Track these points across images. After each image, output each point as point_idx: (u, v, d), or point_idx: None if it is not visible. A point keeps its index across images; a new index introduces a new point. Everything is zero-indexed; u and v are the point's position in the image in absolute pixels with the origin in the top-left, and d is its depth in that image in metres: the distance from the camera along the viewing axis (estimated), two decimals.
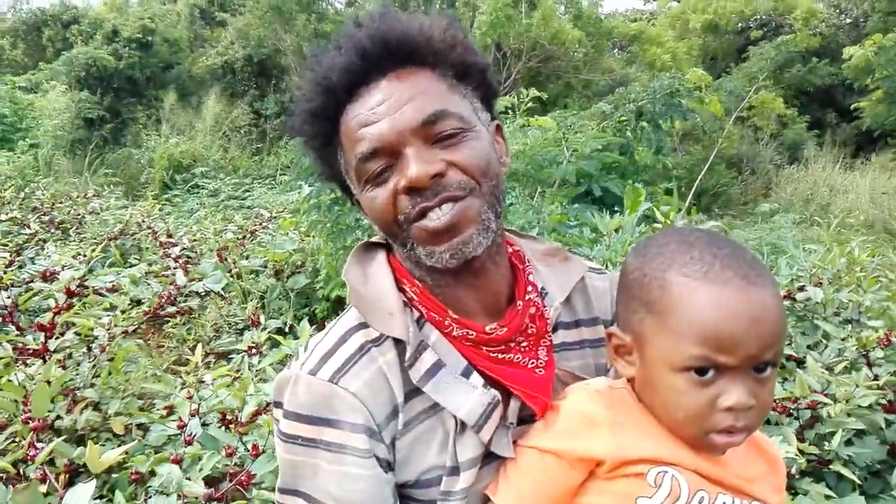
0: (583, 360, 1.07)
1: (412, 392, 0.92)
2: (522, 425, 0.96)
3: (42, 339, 2.59)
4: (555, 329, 1.03)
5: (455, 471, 0.91)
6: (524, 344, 0.97)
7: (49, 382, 2.08)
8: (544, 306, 1.02)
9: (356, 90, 0.92)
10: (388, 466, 0.91)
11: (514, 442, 0.94)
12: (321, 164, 1.03)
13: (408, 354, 0.90)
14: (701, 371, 0.81)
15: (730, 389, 0.81)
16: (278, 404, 0.95)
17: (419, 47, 0.92)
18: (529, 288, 1.01)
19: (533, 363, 0.97)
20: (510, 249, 1.06)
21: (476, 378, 0.93)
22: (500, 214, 0.94)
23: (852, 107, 16.48)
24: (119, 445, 2.17)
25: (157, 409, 2.53)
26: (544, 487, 0.89)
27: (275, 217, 6.55)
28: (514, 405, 0.95)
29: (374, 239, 1.07)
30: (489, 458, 0.93)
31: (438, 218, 0.89)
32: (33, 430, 1.87)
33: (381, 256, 1.02)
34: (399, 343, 0.92)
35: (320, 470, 0.89)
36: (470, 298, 0.97)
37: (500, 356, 0.95)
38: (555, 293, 1.06)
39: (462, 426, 0.91)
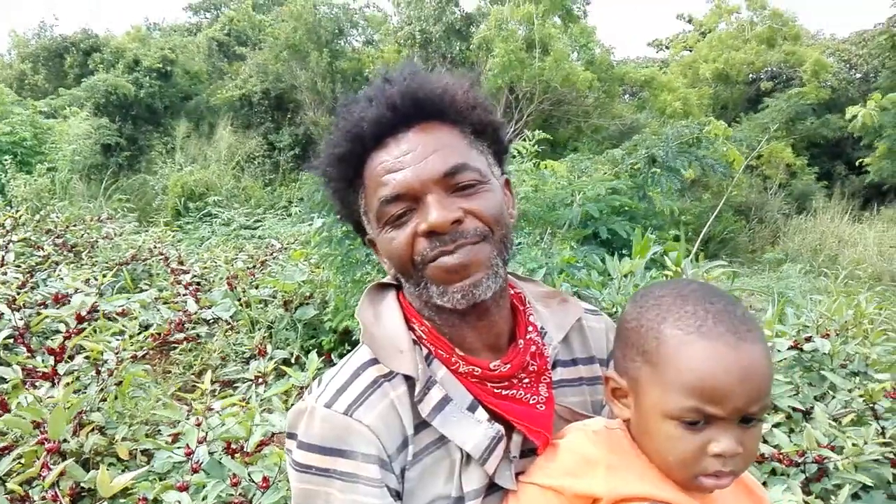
0: (580, 397, 1.13)
1: (421, 425, 0.97)
2: (525, 458, 1.01)
3: (52, 362, 2.62)
4: (553, 366, 1.10)
5: (460, 501, 0.96)
6: (526, 380, 1.03)
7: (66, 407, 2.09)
8: (544, 345, 1.09)
9: (384, 140, 0.99)
10: (398, 496, 0.95)
11: (517, 475, 0.99)
12: (339, 204, 1.09)
13: (417, 390, 0.96)
14: (692, 421, 0.87)
15: (718, 438, 0.86)
16: (292, 435, 0.99)
17: (444, 106, 1.00)
18: (530, 328, 1.08)
19: (534, 399, 1.02)
20: (512, 291, 1.12)
21: (481, 413, 0.98)
22: (506, 262, 1.01)
23: (858, 161, 16.58)
24: (123, 471, 2.18)
25: (163, 436, 2.53)
26: None
27: (285, 248, 6.59)
28: (516, 439, 1.00)
29: (385, 280, 1.13)
30: (492, 489, 0.98)
31: (454, 256, 0.96)
32: (48, 451, 1.88)
33: (391, 296, 1.09)
34: (409, 379, 0.98)
35: (333, 499, 0.93)
36: (473, 337, 1.04)
37: (504, 392, 1.01)
38: (553, 333, 1.13)
39: (468, 458, 0.96)
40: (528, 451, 1.01)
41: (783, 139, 15.71)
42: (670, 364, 0.88)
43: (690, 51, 23.94)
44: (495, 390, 1.01)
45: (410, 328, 1.04)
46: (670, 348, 0.89)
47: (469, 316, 1.00)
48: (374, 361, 1.00)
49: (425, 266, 0.97)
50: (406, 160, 0.96)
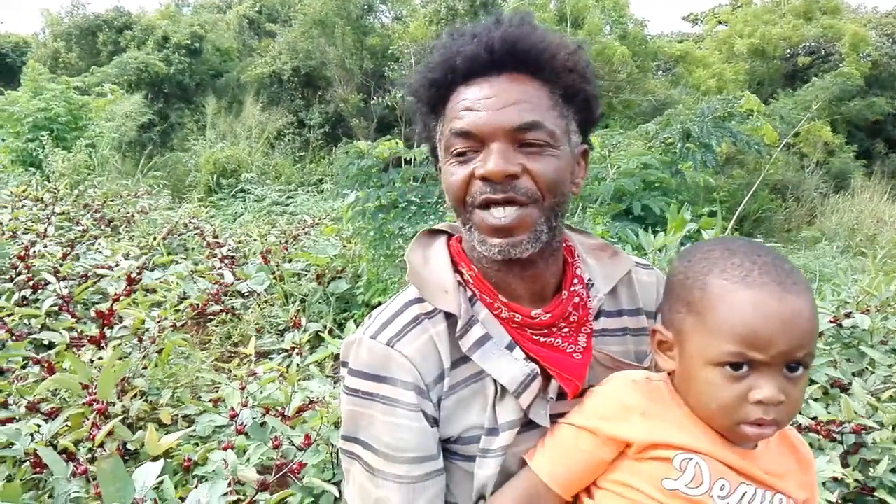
0: (623, 346, 1.15)
1: (459, 360, 1.03)
2: (561, 401, 1.05)
3: (99, 326, 2.69)
4: (597, 316, 1.13)
5: (494, 431, 1.02)
6: (566, 330, 1.07)
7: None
8: (588, 297, 1.12)
9: (474, 78, 1.01)
10: (434, 422, 1.03)
11: (555, 416, 1.04)
12: (422, 125, 1.12)
13: (459, 326, 1.02)
14: (735, 366, 0.89)
15: (761, 384, 0.88)
16: (345, 364, 1.08)
17: (541, 61, 1.01)
18: (576, 280, 1.11)
19: (571, 348, 1.06)
20: (564, 245, 1.15)
21: (518, 352, 1.04)
22: (554, 227, 1.03)
23: None
24: (166, 434, 2.24)
25: (204, 402, 2.59)
26: (576, 458, 0.98)
27: (317, 223, 6.65)
28: (554, 383, 1.05)
29: (437, 226, 1.19)
30: (528, 426, 1.03)
31: (500, 217, 0.99)
32: (98, 412, 1.94)
33: (441, 241, 1.14)
34: (450, 317, 1.04)
35: (376, 420, 1.01)
36: (519, 285, 1.07)
37: (543, 339, 1.05)
38: (600, 285, 1.15)
39: (503, 392, 1.02)
40: (566, 395, 1.05)
41: (823, 117, 15.34)
42: (715, 311, 0.91)
43: (725, 25, 23.42)
44: (534, 336, 1.05)
45: (458, 272, 1.09)
46: (715, 297, 0.91)
47: (514, 267, 1.04)
48: (418, 300, 1.07)
49: (473, 210, 1.01)
50: (486, 104, 0.98)
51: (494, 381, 1.02)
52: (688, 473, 0.91)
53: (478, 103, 0.99)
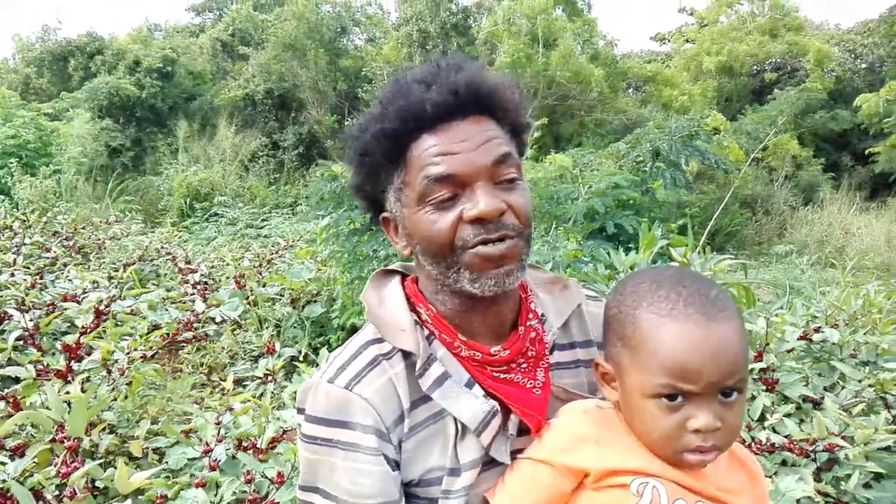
0: (576, 379, 1.17)
1: (418, 400, 1.03)
2: (522, 436, 1.06)
3: (65, 359, 2.63)
4: (551, 350, 1.14)
5: (455, 472, 1.02)
6: (524, 365, 1.08)
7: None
8: (543, 331, 1.13)
9: (440, 124, 1.02)
10: (396, 465, 1.02)
11: (515, 452, 1.05)
12: (366, 178, 1.11)
13: (418, 365, 1.02)
14: (670, 397, 0.91)
15: (697, 414, 0.90)
16: (301, 410, 1.06)
17: (496, 101, 1.04)
18: (531, 315, 1.13)
19: (531, 383, 1.07)
20: None
21: (478, 389, 1.04)
22: (528, 256, 1.06)
23: (867, 151, 16.49)
24: (136, 469, 2.19)
25: (175, 434, 2.54)
26: (536, 493, 0.99)
27: (291, 246, 6.60)
28: (514, 419, 1.06)
29: (390, 266, 1.20)
30: (490, 464, 1.03)
31: (496, 247, 0.99)
32: (68, 449, 1.89)
33: (395, 281, 1.15)
34: (407, 357, 1.04)
35: (336, 467, 1.00)
36: (480, 322, 1.08)
37: (503, 376, 1.06)
38: (553, 319, 1.16)
39: (464, 431, 1.02)
40: (526, 431, 1.06)
41: (790, 132, 15.64)
42: (645, 346, 0.93)
43: (693, 43, 23.84)
44: (494, 374, 1.06)
45: (415, 311, 1.09)
46: (645, 332, 0.94)
47: (483, 302, 1.05)
48: (375, 341, 1.07)
49: (464, 252, 1.00)
50: (462, 146, 1.00)
51: (455, 420, 1.02)
52: (645, 497, 0.93)
53: (454, 147, 1.00)
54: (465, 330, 1.07)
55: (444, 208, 1.00)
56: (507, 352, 1.06)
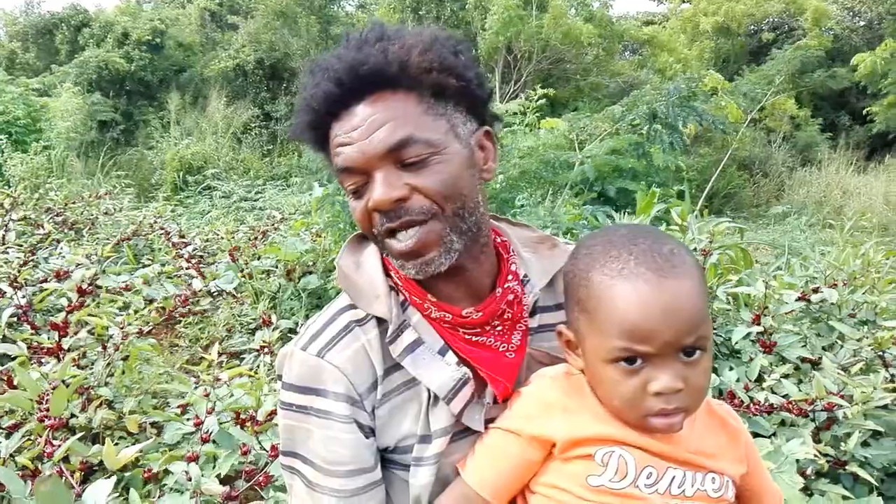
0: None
1: (392, 367, 1.02)
2: (500, 404, 1.04)
3: (56, 337, 2.61)
4: (533, 313, 1.11)
5: (426, 439, 1.01)
6: (499, 328, 1.05)
7: (66, 382, 2.09)
8: (523, 293, 1.10)
9: (338, 111, 0.98)
10: (371, 432, 1.03)
11: (491, 421, 1.03)
12: (328, 161, 1.09)
13: (389, 331, 1.01)
14: (629, 360, 0.88)
15: (657, 376, 0.87)
16: (279, 377, 1.06)
17: (392, 75, 0.96)
18: (510, 276, 1.09)
19: (504, 347, 1.05)
20: (498, 240, 1.14)
21: (451, 357, 1.03)
22: (466, 231, 1.00)
23: (865, 111, 16.38)
24: (133, 444, 2.18)
25: (172, 409, 2.53)
26: (504, 463, 0.97)
27: (286, 218, 6.56)
28: (490, 386, 1.04)
29: None
30: (465, 432, 1.02)
31: (403, 241, 0.97)
32: (50, 428, 1.88)
33: (372, 246, 1.11)
34: (382, 323, 1.03)
35: (312, 434, 1.01)
36: (451, 289, 1.05)
37: (475, 339, 1.04)
38: (536, 279, 1.12)
39: (435, 398, 1.00)
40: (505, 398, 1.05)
41: (788, 91, 15.50)
42: (599, 309, 0.90)
43: (689, 3, 23.54)
44: (466, 336, 1.04)
45: (388, 275, 1.08)
46: (597, 294, 0.91)
47: (441, 273, 1.01)
48: (350, 308, 1.06)
49: (382, 239, 1.00)
50: (354, 135, 0.96)
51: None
52: (611, 467, 0.90)
53: (347, 137, 0.96)
54: (439, 293, 1.05)
55: (357, 196, 1.00)
56: (481, 314, 1.03)
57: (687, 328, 0.86)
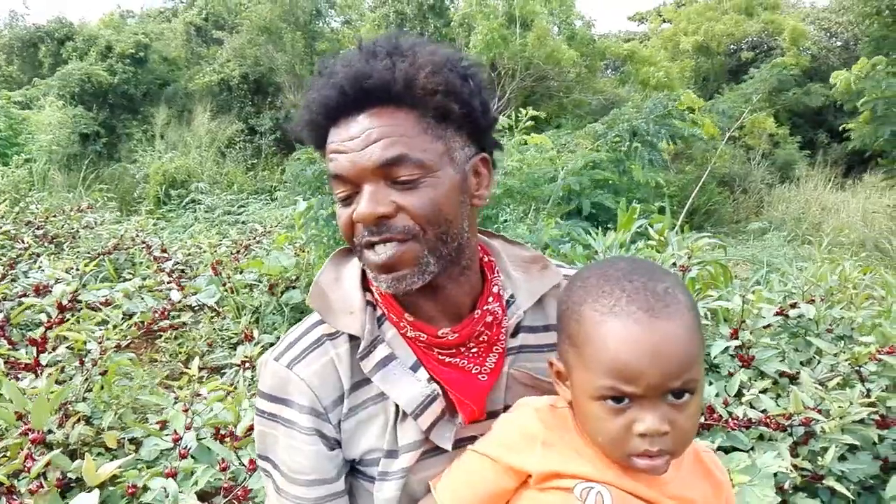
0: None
1: (360, 382, 1.04)
2: (474, 424, 1.05)
3: (34, 353, 2.58)
4: (517, 332, 1.11)
5: (393, 454, 1.02)
6: (474, 350, 1.06)
7: (48, 398, 2.06)
8: (504, 315, 1.10)
9: (338, 118, 0.99)
10: (337, 444, 1.05)
11: (464, 441, 1.03)
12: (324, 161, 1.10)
13: (361, 347, 1.02)
14: (616, 399, 0.86)
15: (642, 417, 0.85)
16: (258, 384, 1.10)
17: (396, 92, 0.95)
18: (491, 298, 1.09)
19: (477, 369, 1.06)
20: (485, 259, 1.14)
21: (422, 373, 1.03)
22: (444, 256, 0.99)
23: (842, 128, 16.64)
24: (111, 460, 2.16)
25: (151, 424, 2.51)
26: (478, 487, 0.97)
27: (269, 232, 6.54)
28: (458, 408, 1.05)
29: None
30: (437, 451, 1.04)
31: (380, 254, 0.98)
32: (32, 442, 1.86)
33: (354, 261, 1.12)
34: (354, 338, 1.04)
35: (278, 441, 1.04)
36: (429, 307, 1.06)
37: (448, 359, 1.05)
38: (523, 300, 1.12)
39: (404, 414, 1.02)
40: (480, 419, 1.05)
41: (765, 109, 15.73)
42: (588, 345, 0.89)
43: (670, 23, 23.87)
44: (440, 357, 1.04)
45: (369, 290, 1.09)
46: (587, 330, 0.89)
47: (419, 291, 1.01)
48: (324, 321, 1.07)
49: (361, 250, 1.01)
50: (349, 145, 0.96)
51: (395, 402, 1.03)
52: (588, 502, 0.89)
53: (342, 145, 0.97)
54: (416, 312, 1.05)
55: (345, 204, 1.00)
56: (457, 335, 1.04)
57: (676, 371, 0.84)
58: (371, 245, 0.98)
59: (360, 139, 0.95)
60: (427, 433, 1.01)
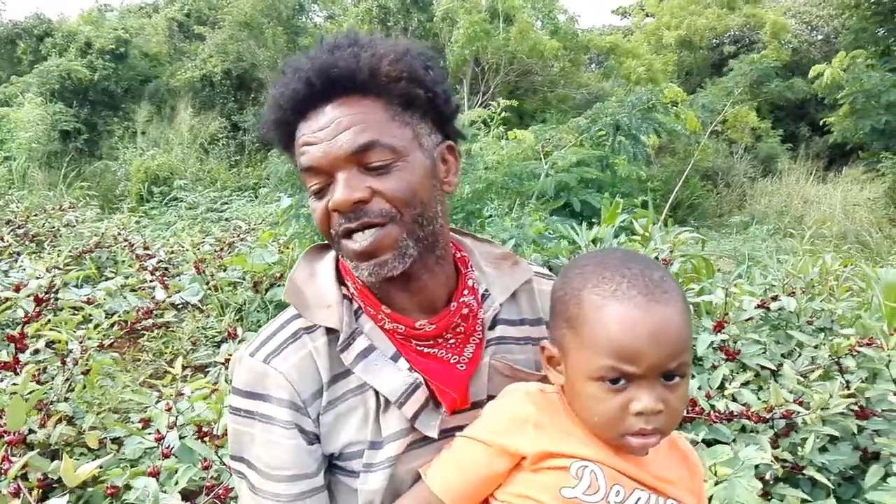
0: (525, 356, 1.16)
1: (339, 375, 1.03)
2: (458, 414, 1.06)
3: (12, 350, 2.56)
4: (494, 325, 1.13)
5: (377, 444, 1.02)
6: (451, 340, 1.08)
7: (25, 397, 2.04)
8: (480, 307, 1.12)
9: (306, 111, 1.00)
10: (316, 438, 1.04)
11: (450, 430, 1.04)
12: (292, 161, 1.10)
13: (341, 340, 1.03)
14: (613, 380, 0.91)
15: (639, 396, 0.90)
16: (231, 382, 1.08)
17: (361, 80, 0.98)
18: (466, 291, 1.11)
19: (455, 359, 1.07)
20: (458, 255, 1.16)
21: (403, 363, 1.04)
22: (422, 239, 1.02)
23: (822, 122, 16.80)
24: (94, 459, 2.14)
25: (133, 423, 2.49)
26: (469, 472, 0.98)
27: (253, 229, 6.51)
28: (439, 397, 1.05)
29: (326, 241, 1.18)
30: (425, 440, 1.04)
31: (359, 242, 0.99)
32: (8, 443, 1.84)
33: (330, 256, 1.14)
34: (332, 332, 1.04)
35: (255, 439, 1.02)
36: (404, 299, 1.07)
37: (427, 350, 1.06)
38: (497, 294, 1.15)
39: (387, 404, 1.02)
40: (464, 408, 1.07)
41: (747, 102, 15.84)
42: (588, 327, 0.93)
43: (653, 17, 23.95)
44: (418, 348, 1.06)
45: (344, 284, 1.09)
46: (588, 312, 0.93)
47: (394, 282, 1.03)
48: (300, 316, 1.06)
49: (339, 240, 1.01)
50: (319, 136, 0.98)
51: (376, 393, 1.02)
52: (584, 481, 0.92)
53: (313, 136, 0.98)
54: (392, 304, 1.07)
55: (319, 197, 1.01)
56: (434, 326, 1.06)
57: (672, 353, 0.89)
58: (349, 233, 0.99)
59: (331, 128, 0.97)
60: (412, 421, 1.01)
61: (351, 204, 0.96)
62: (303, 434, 1.02)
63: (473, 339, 1.10)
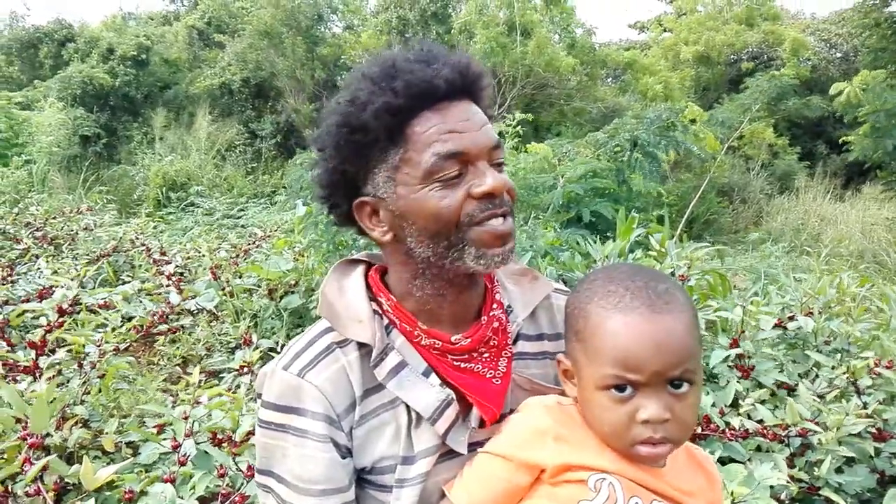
0: (543, 370, 1.18)
1: (371, 389, 1.05)
2: (485, 428, 1.07)
3: (33, 356, 2.58)
4: (516, 340, 1.16)
5: (409, 460, 1.03)
6: (486, 355, 1.10)
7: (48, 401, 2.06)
8: (507, 322, 1.14)
9: (440, 102, 1.02)
10: (348, 452, 1.04)
11: (477, 443, 1.05)
12: (353, 159, 1.05)
13: (373, 355, 1.03)
14: (619, 388, 0.93)
15: (645, 404, 0.92)
16: (259, 395, 1.08)
17: (481, 87, 1.08)
18: (495, 305, 1.14)
19: (491, 373, 1.09)
20: None
21: (434, 378, 1.05)
22: None
23: (841, 139, 16.68)
24: (108, 463, 2.16)
25: (148, 428, 2.51)
26: (493, 487, 0.99)
27: (269, 236, 6.54)
28: (476, 410, 1.07)
29: (355, 256, 1.19)
30: (450, 454, 1.05)
31: (504, 224, 1.03)
32: (31, 446, 1.86)
33: (358, 271, 1.15)
34: (363, 346, 1.05)
35: (288, 452, 1.02)
36: (448, 308, 1.09)
37: (463, 365, 1.08)
38: (519, 310, 1.18)
39: (419, 419, 1.03)
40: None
41: (765, 119, 15.77)
42: (594, 338, 0.96)
43: (670, 32, 23.93)
44: (454, 363, 1.07)
45: (375, 301, 1.10)
46: (594, 324, 0.97)
47: (459, 287, 1.07)
48: (331, 329, 1.07)
49: (471, 227, 1.01)
50: (467, 125, 1.02)
51: (408, 408, 1.04)
52: (602, 493, 0.94)
53: (459, 125, 1.01)
54: (429, 317, 1.08)
55: (451, 185, 1.01)
56: (469, 340, 1.07)
57: (675, 360, 0.91)
58: (489, 218, 1.02)
59: (474, 121, 1.03)
60: (443, 438, 1.03)
61: (505, 189, 1.02)
62: (336, 448, 1.02)
63: (505, 354, 1.11)
